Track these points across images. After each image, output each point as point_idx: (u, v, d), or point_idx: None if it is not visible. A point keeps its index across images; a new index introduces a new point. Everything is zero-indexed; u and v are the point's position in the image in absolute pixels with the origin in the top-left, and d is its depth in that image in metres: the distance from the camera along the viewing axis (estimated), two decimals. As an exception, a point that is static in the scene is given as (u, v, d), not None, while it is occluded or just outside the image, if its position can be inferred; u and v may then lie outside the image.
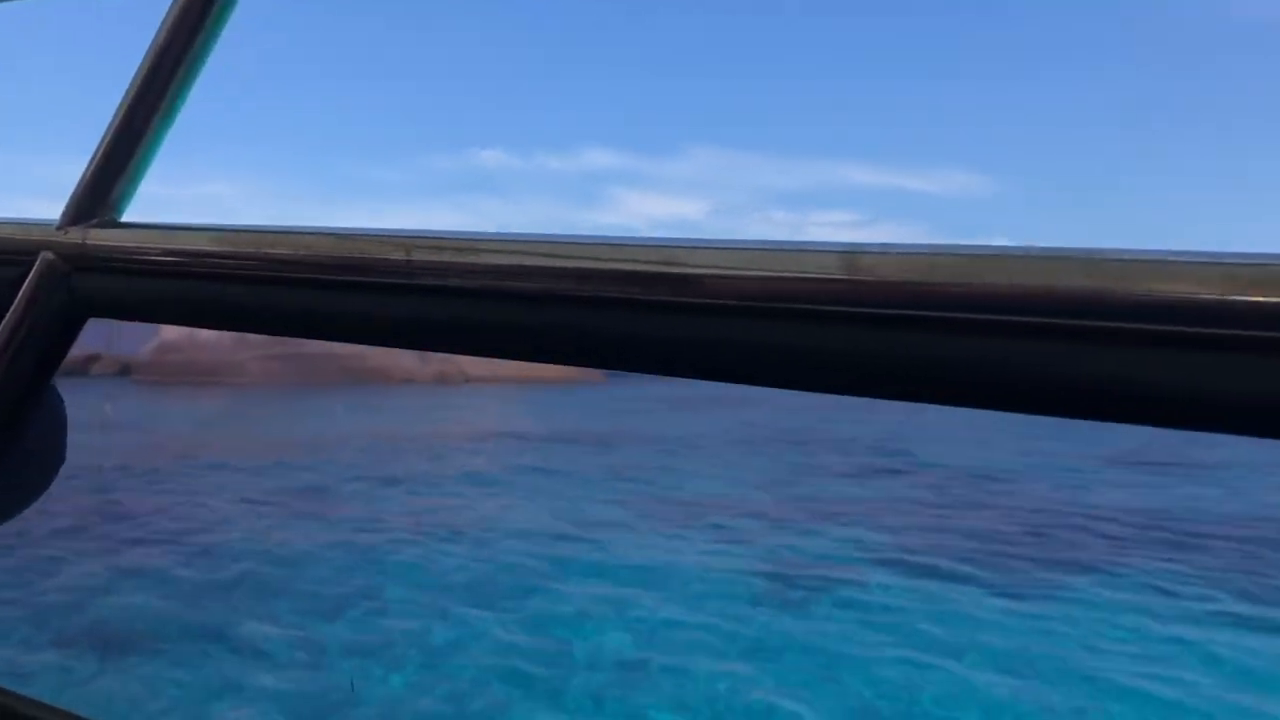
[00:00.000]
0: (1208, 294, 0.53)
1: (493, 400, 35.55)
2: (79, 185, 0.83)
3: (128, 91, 0.96)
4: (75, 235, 0.74)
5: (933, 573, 8.83)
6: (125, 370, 67.30)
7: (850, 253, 0.63)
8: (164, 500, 12.96)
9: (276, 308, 0.72)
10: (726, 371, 0.69)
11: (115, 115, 0.84)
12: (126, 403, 28.88)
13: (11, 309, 0.76)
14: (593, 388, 50.55)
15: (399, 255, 0.68)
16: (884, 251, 0.64)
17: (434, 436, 19.87)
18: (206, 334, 48.72)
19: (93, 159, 0.86)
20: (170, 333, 47.56)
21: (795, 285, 0.63)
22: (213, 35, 0.98)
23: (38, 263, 0.76)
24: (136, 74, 0.97)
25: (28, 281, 0.77)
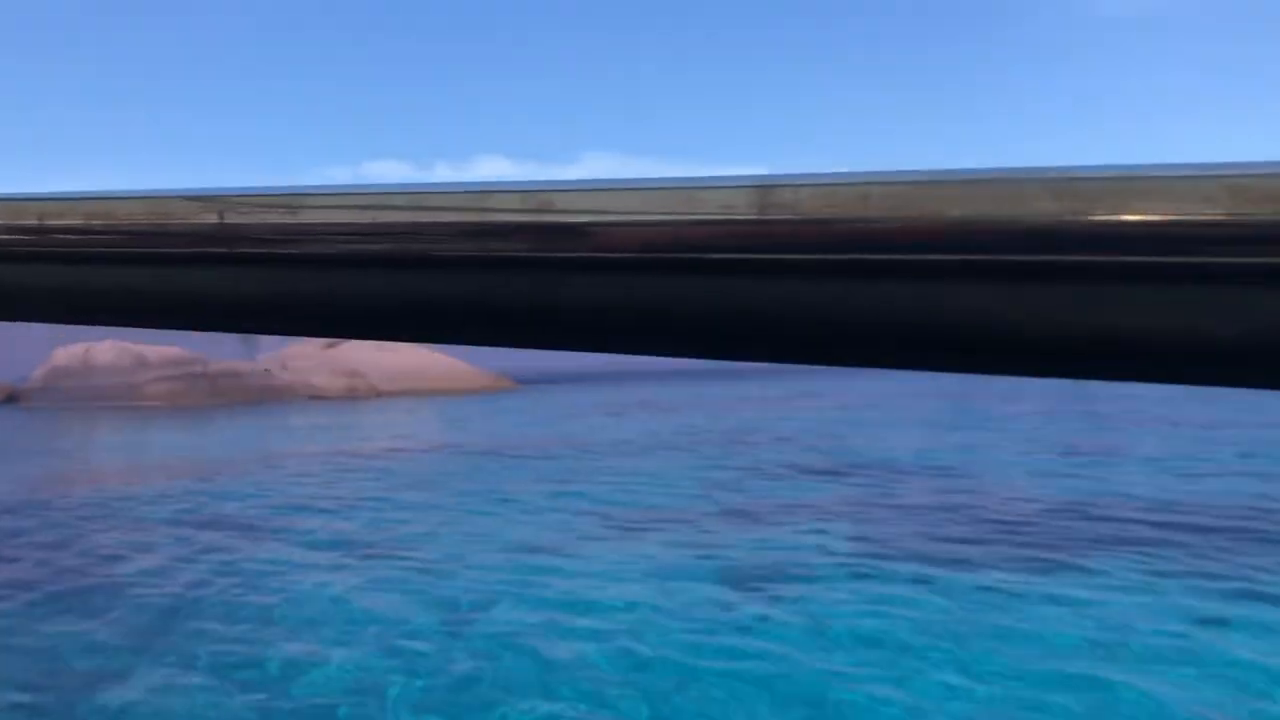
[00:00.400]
0: (1213, 214, 0.42)
1: (404, 415, 34.75)
2: None
3: None
4: None
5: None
6: (12, 398, 64.57)
7: (762, 187, 0.51)
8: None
9: (61, 289, 0.62)
10: (610, 341, 0.58)
11: None
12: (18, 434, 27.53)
13: None
14: (508, 395, 50.93)
15: (210, 218, 0.59)
16: (803, 183, 0.51)
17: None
18: (103, 356, 47.24)
19: None
20: (62, 356, 45.77)
21: (693, 230, 0.52)
22: None
23: None
24: None
25: None
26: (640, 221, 0.53)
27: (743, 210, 0.51)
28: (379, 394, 49.79)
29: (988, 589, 8.28)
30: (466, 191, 0.54)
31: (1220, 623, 7.39)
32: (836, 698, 6.06)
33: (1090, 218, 0.43)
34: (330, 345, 58.47)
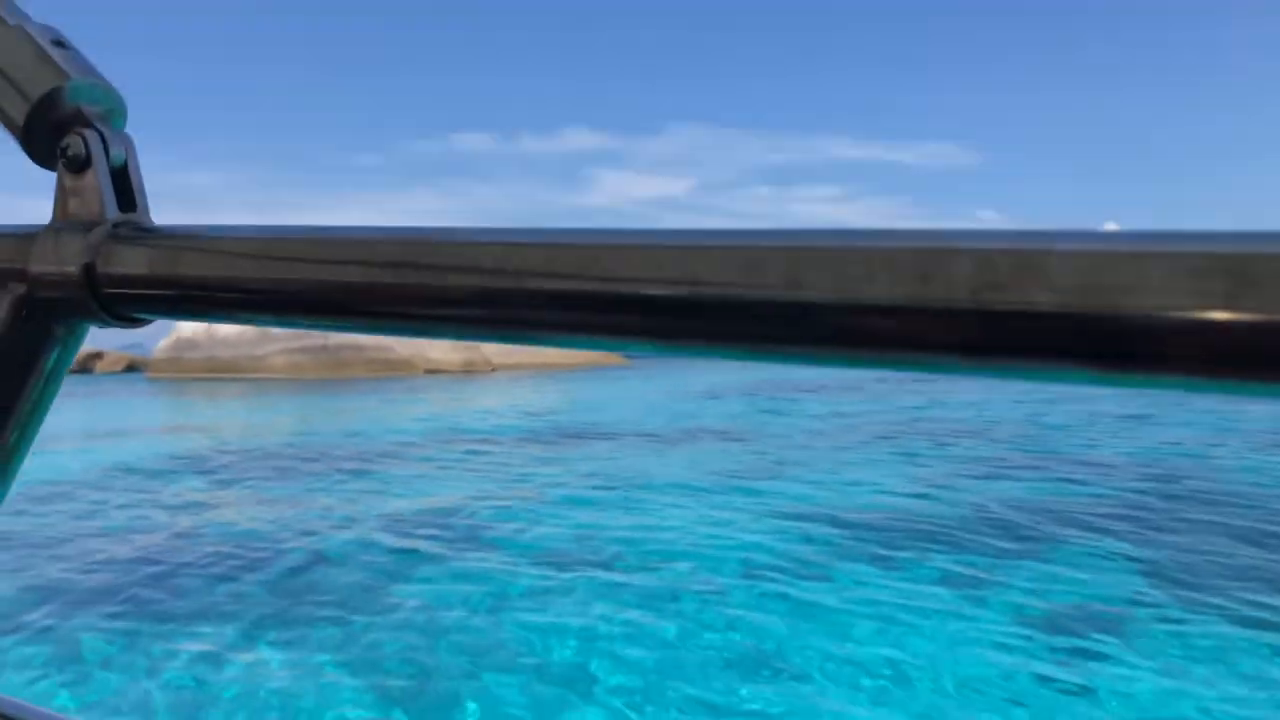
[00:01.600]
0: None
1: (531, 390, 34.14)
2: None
3: None
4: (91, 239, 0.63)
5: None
6: (132, 367, 66.34)
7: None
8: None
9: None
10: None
11: None
12: (151, 402, 27.39)
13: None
14: (623, 369, 49.96)
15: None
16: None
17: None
18: (226, 329, 47.28)
19: None
20: (187, 328, 46.12)
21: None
22: None
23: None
24: None
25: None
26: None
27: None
28: (494, 368, 49.27)
29: None
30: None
31: None
32: None
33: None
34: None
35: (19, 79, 0.64)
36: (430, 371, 45.65)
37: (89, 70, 0.65)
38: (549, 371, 48.68)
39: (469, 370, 47.41)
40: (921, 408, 22.61)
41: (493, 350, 50.51)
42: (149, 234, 0.63)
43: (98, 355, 69.16)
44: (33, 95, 0.63)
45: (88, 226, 0.63)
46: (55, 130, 0.64)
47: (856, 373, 40.04)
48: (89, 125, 0.64)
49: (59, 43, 0.65)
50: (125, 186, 0.65)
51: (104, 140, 0.64)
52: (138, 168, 0.66)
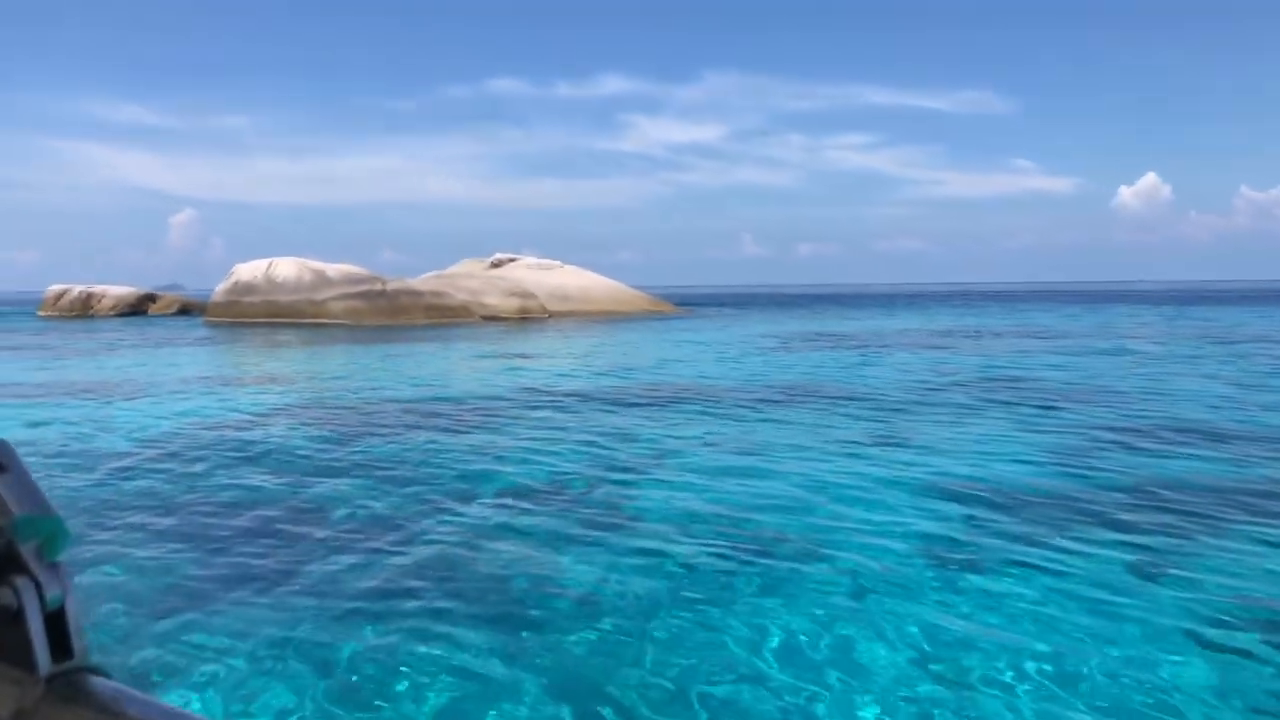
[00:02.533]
0: None
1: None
2: None
3: None
4: None
5: None
6: (185, 310, 67.29)
7: None
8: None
9: None
10: None
11: None
12: (207, 347, 27.43)
13: None
14: (682, 319, 50.08)
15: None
16: None
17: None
18: (284, 270, 47.67)
19: None
20: (245, 271, 46.53)
21: None
22: None
23: None
24: None
25: None
26: None
27: None
28: (549, 314, 49.23)
29: None
30: None
31: None
32: None
33: None
34: (495, 264, 58.12)
35: None
36: (487, 318, 45.72)
37: (28, 497, 0.63)
38: (605, 319, 48.63)
39: (525, 316, 47.47)
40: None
41: (545, 297, 50.48)
42: (79, 695, 0.62)
43: (150, 298, 70.04)
44: None
45: (18, 681, 0.61)
46: None
47: (938, 324, 39.29)
48: (23, 570, 0.61)
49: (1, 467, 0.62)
50: (61, 630, 0.63)
51: (38, 587, 0.62)
52: (75, 605, 0.63)
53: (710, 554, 7.15)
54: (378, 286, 44.94)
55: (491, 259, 58.45)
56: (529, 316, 48.14)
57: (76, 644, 0.63)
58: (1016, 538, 7.59)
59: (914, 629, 5.80)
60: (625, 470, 10.30)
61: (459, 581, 6.55)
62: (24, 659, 0.61)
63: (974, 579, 6.61)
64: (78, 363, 25.26)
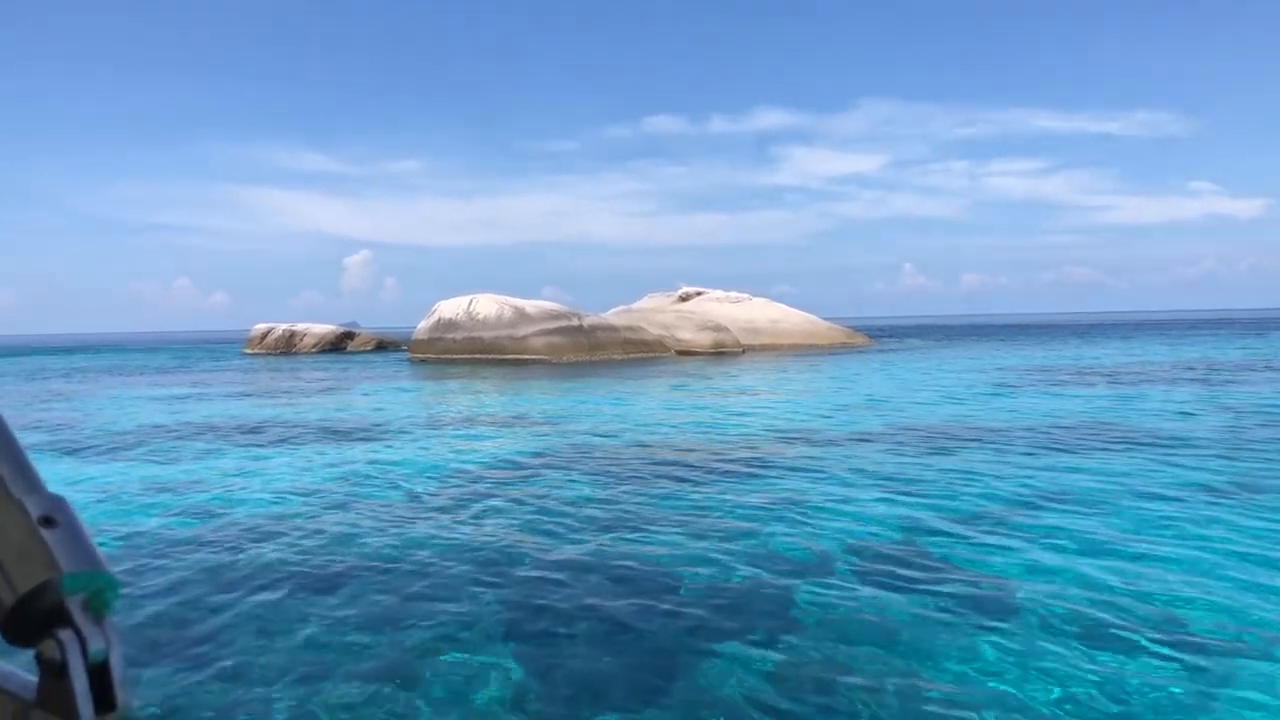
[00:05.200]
0: None
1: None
2: None
3: None
4: None
5: None
6: (381, 346, 69.66)
7: None
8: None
9: None
10: None
11: None
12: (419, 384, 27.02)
13: None
14: (874, 352, 48.61)
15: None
16: None
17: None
18: (485, 308, 48.09)
19: None
20: (447, 309, 47.40)
21: None
22: None
23: None
24: None
25: None
26: None
27: None
28: (743, 349, 48.37)
29: None
30: None
31: None
32: None
33: None
34: (683, 298, 57.80)
35: (6, 568, 0.63)
36: (682, 353, 45.25)
37: (79, 552, 0.64)
38: (797, 352, 47.39)
39: (720, 350, 46.77)
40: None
41: (739, 331, 49.68)
42: None
43: (349, 335, 73.02)
44: (19, 588, 0.62)
45: None
46: (35, 627, 0.63)
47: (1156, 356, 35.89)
48: (69, 624, 0.63)
49: (49, 520, 0.65)
50: (105, 683, 0.64)
51: (82, 642, 0.63)
52: (120, 659, 0.65)
53: (1136, 649, 5.91)
54: (575, 322, 45.17)
55: (679, 293, 58.16)
56: (724, 351, 47.42)
57: (120, 697, 0.63)
58: None
59: None
60: (962, 525, 9.18)
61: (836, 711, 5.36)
62: (68, 711, 0.62)
63: None
64: (320, 400, 25.94)
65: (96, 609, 0.64)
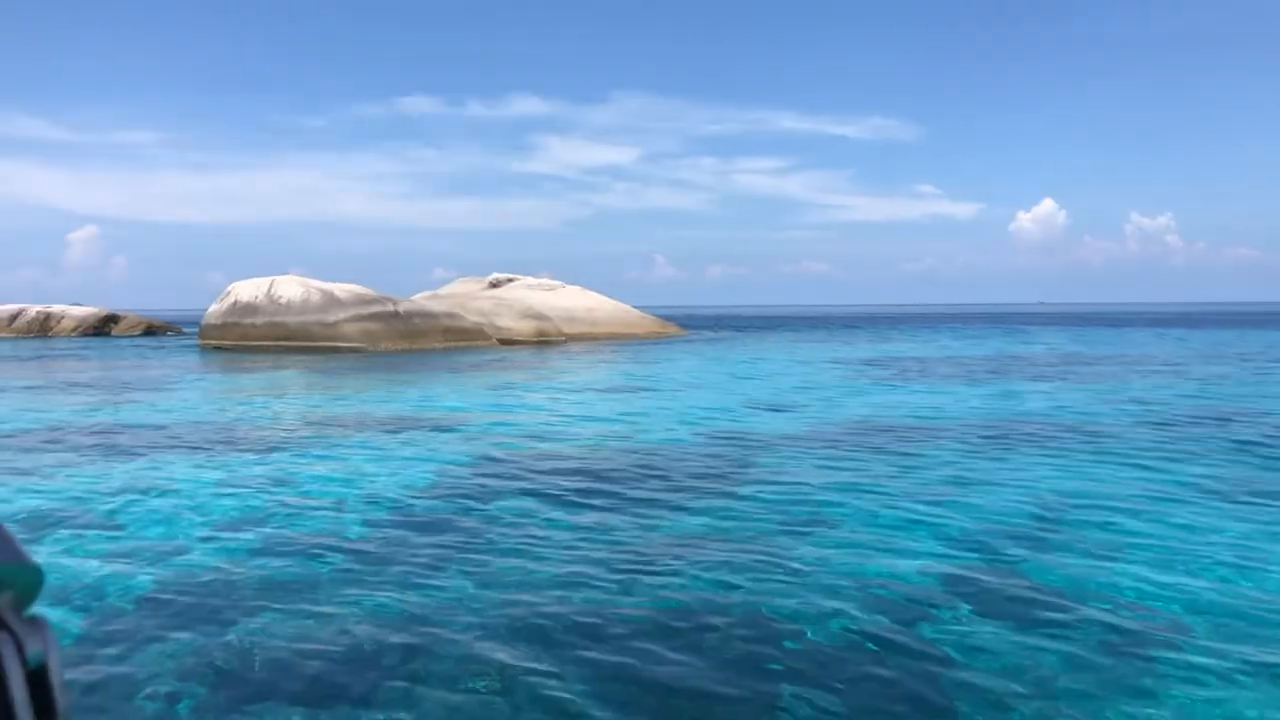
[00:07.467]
0: None
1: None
2: None
3: None
4: None
5: None
6: (150, 331, 63.73)
7: None
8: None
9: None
10: None
11: None
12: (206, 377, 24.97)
13: None
14: (685, 341, 48.97)
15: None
16: None
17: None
18: (288, 291, 44.84)
19: None
20: (245, 290, 43.76)
21: None
22: None
23: None
24: None
25: None
26: None
27: None
28: (566, 338, 47.35)
29: None
30: None
31: None
32: None
33: None
34: (494, 284, 55.93)
35: None
36: (505, 342, 43.66)
37: (1, 545, 0.59)
38: (616, 341, 46.90)
39: (543, 339, 45.50)
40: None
41: (560, 319, 48.60)
42: None
43: (113, 318, 65.99)
44: None
45: None
46: None
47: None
48: (2, 626, 0.57)
49: None
50: (45, 689, 0.58)
51: (18, 645, 0.57)
52: (59, 663, 0.59)
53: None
54: (390, 308, 42.68)
55: (490, 279, 56.31)
56: (547, 339, 46.25)
57: (61, 702, 0.58)
58: None
59: None
60: (1005, 540, 8.73)
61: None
62: None
63: None
64: (141, 397, 22.79)
65: (26, 607, 0.58)
